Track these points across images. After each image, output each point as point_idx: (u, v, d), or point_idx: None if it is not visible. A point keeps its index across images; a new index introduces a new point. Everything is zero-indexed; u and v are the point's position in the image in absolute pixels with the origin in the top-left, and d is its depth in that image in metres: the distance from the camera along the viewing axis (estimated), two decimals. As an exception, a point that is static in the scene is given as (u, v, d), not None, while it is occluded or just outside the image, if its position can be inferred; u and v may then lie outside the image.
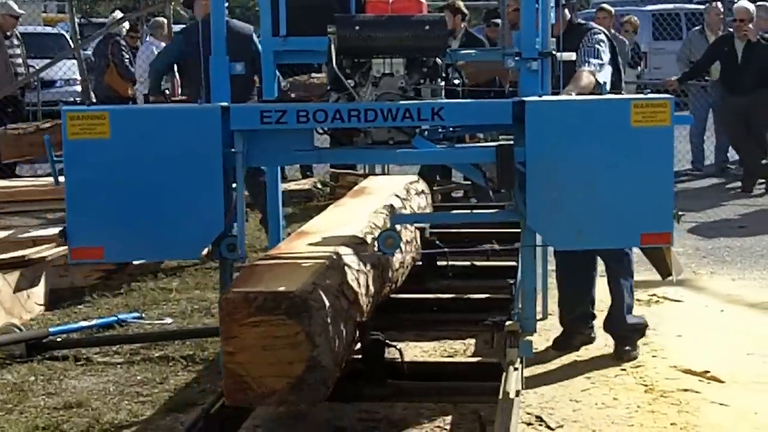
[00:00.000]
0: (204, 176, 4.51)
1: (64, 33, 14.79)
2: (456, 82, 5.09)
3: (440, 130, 4.91)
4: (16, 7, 14.30)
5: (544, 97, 4.97)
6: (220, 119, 4.51)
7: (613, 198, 4.52)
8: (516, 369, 4.71)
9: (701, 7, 17.13)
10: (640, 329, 6.26)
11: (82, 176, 4.51)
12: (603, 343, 6.40)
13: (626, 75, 11.51)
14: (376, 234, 5.07)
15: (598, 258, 6.31)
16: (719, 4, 13.98)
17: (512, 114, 4.57)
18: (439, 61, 4.84)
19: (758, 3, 13.75)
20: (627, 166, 4.49)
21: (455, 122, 4.81)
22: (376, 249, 4.95)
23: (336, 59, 4.68)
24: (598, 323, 6.37)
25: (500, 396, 4.44)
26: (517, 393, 4.55)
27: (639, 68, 13.23)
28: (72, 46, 14.65)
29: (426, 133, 4.80)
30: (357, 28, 4.69)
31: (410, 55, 4.75)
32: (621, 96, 5.54)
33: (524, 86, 4.98)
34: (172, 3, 13.93)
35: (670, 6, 20.13)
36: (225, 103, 4.70)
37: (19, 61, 14.09)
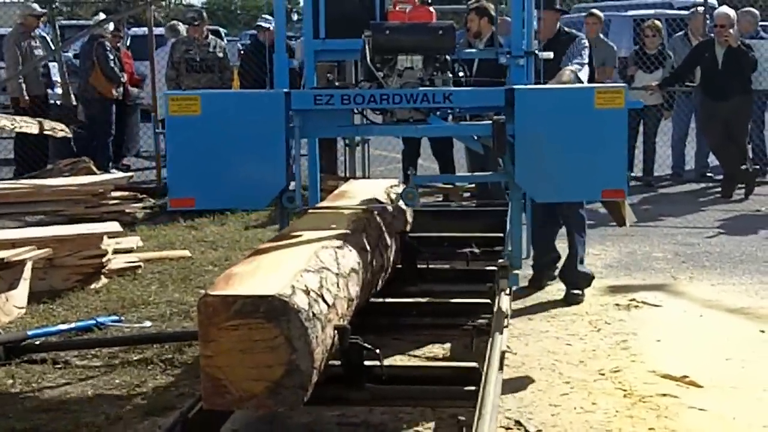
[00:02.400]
0: (270, 145, 5.82)
1: (45, 35, 14.76)
2: (461, 74, 6.51)
3: (449, 111, 6.30)
4: (37, 6, 14.35)
5: (529, 86, 6.35)
6: (283, 102, 5.83)
7: (581, 162, 5.79)
8: (507, 295, 5.95)
9: (682, 12, 17.16)
10: (588, 278, 7.81)
11: (178, 143, 5.87)
12: (581, 348, 6.43)
13: (651, 76, 12.83)
14: (356, 237, 5.18)
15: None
16: (702, 10, 14.00)
17: (505, 99, 5.85)
18: (448, 57, 6.18)
19: (744, 9, 13.79)
20: (591, 138, 5.77)
21: (461, 105, 6.14)
22: (399, 203, 6.37)
23: (369, 56, 6.01)
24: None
25: (494, 310, 5.62)
26: (507, 316, 5.75)
27: (662, 70, 13.03)
28: (53, 48, 14.59)
29: (438, 113, 6.17)
30: (387, 32, 6.04)
31: (427, 53, 6.09)
32: (587, 85, 6.98)
33: (513, 77, 6.30)
34: (153, 6, 13.90)
35: (651, 12, 20.12)
36: (286, 89, 6.03)
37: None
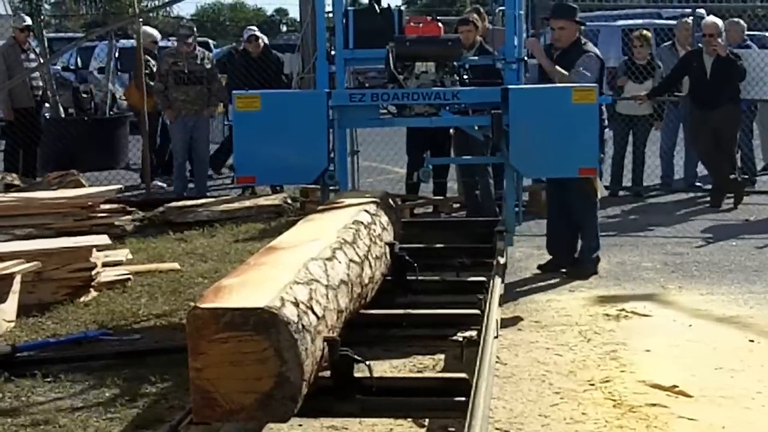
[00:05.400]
0: (315, 133, 7.38)
1: (34, 48, 14.81)
2: (465, 77, 8.03)
3: (456, 106, 7.83)
4: (27, 18, 14.38)
5: (520, 86, 7.88)
6: (325, 99, 7.47)
7: (562, 146, 7.33)
8: (502, 255, 7.23)
9: (671, 22, 17.20)
10: (593, 269, 8.72)
11: (243, 133, 7.47)
12: (571, 359, 6.43)
13: (641, 86, 12.88)
14: (346, 249, 5.19)
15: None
16: (689, 20, 14.03)
17: (501, 96, 7.43)
18: (456, 63, 7.82)
19: (730, 19, 13.81)
20: (570, 126, 7.30)
21: (466, 101, 7.77)
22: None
23: (392, 63, 7.46)
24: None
25: (494, 264, 6.83)
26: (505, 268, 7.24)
27: (651, 80, 12.99)
28: (41, 61, 14.61)
29: (448, 108, 7.77)
30: (407, 44, 7.60)
31: (438, 60, 7.71)
32: (565, 85, 7.91)
33: (508, 79, 7.94)
34: (140, 19, 13.90)
35: (640, 21, 20.19)
36: (327, 90, 7.66)
37: (36, 74, 14.15)
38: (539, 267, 8.84)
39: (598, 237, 8.74)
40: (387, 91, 7.56)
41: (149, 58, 14.45)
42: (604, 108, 8.21)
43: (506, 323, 7.06)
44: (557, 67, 8.43)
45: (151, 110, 13.78)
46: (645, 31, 13.70)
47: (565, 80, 8.36)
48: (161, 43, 16.72)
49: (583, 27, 8.90)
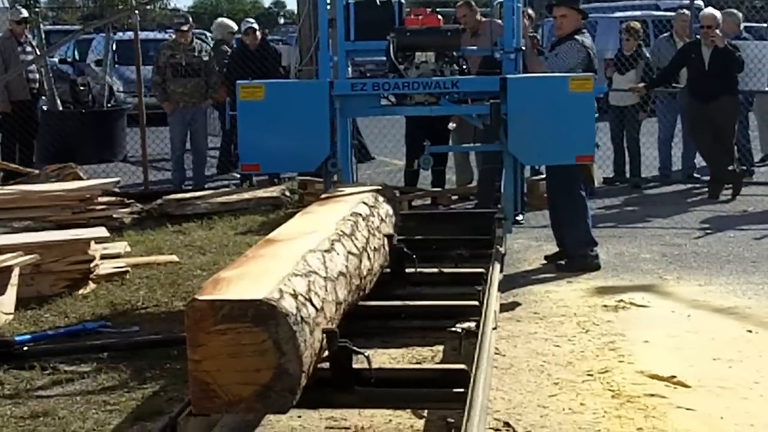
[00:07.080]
0: (318, 122, 7.54)
1: (31, 41, 14.81)
2: (464, 66, 8.25)
3: (456, 95, 7.87)
4: (24, 11, 14.38)
5: (518, 75, 8.02)
6: (328, 89, 7.62)
7: (559, 133, 7.48)
8: (501, 245, 7.20)
9: (668, 14, 17.19)
10: (582, 266, 8.55)
11: (247, 122, 7.56)
12: (570, 349, 6.43)
13: (624, 78, 13.00)
14: (344, 241, 5.20)
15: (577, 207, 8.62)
16: (687, 11, 14.02)
17: (499, 85, 7.59)
18: (455, 53, 7.98)
19: (726, 10, 13.80)
20: (567, 114, 7.47)
21: (466, 90, 7.85)
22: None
23: (393, 53, 7.65)
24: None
25: (493, 254, 6.82)
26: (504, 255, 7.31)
27: (632, 72, 12.96)
28: (38, 53, 14.59)
29: (447, 97, 7.84)
30: (408, 34, 7.82)
31: (438, 50, 7.84)
32: (563, 74, 7.95)
33: (506, 68, 8.07)
34: (137, 12, 13.88)
35: (638, 13, 20.19)
36: (330, 79, 7.81)
37: (33, 67, 14.15)
38: (546, 258, 8.90)
39: (586, 230, 8.60)
40: (388, 80, 7.72)
41: (228, 49, 14.53)
42: None
43: (505, 314, 7.07)
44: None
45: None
46: (633, 23, 13.68)
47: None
48: (160, 36, 16.70)
49: (585, 18, 8.88)
